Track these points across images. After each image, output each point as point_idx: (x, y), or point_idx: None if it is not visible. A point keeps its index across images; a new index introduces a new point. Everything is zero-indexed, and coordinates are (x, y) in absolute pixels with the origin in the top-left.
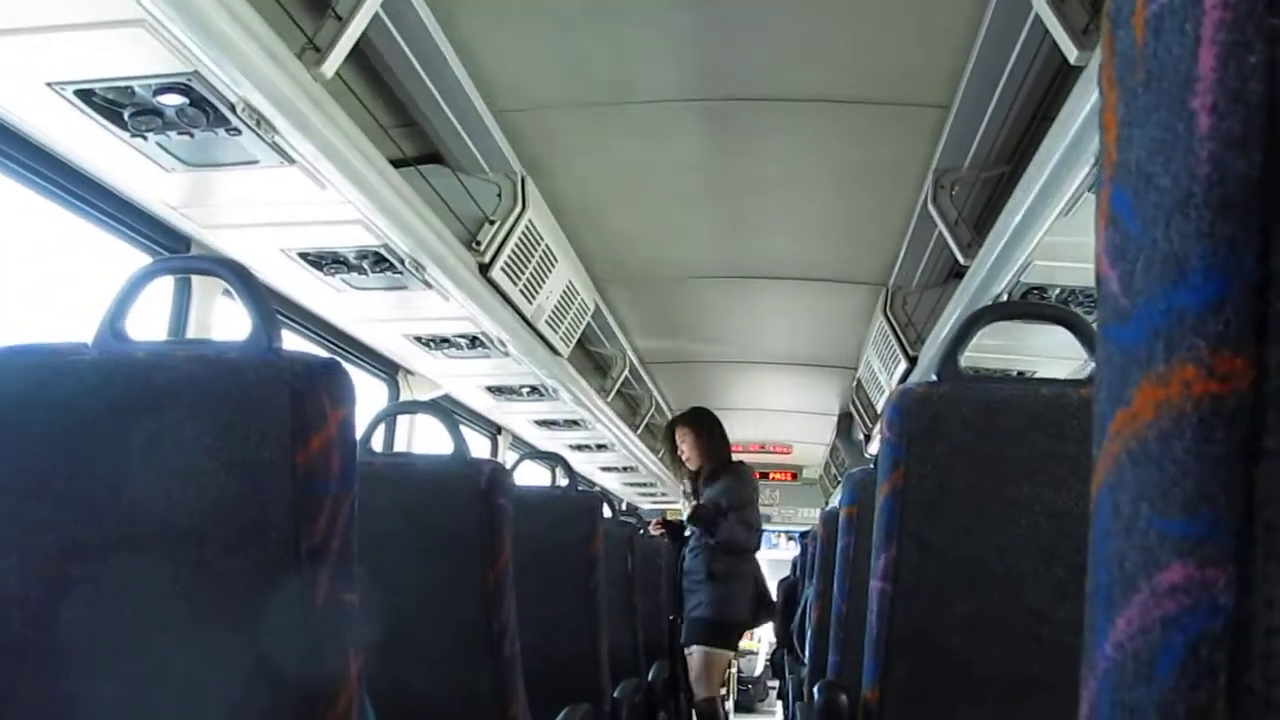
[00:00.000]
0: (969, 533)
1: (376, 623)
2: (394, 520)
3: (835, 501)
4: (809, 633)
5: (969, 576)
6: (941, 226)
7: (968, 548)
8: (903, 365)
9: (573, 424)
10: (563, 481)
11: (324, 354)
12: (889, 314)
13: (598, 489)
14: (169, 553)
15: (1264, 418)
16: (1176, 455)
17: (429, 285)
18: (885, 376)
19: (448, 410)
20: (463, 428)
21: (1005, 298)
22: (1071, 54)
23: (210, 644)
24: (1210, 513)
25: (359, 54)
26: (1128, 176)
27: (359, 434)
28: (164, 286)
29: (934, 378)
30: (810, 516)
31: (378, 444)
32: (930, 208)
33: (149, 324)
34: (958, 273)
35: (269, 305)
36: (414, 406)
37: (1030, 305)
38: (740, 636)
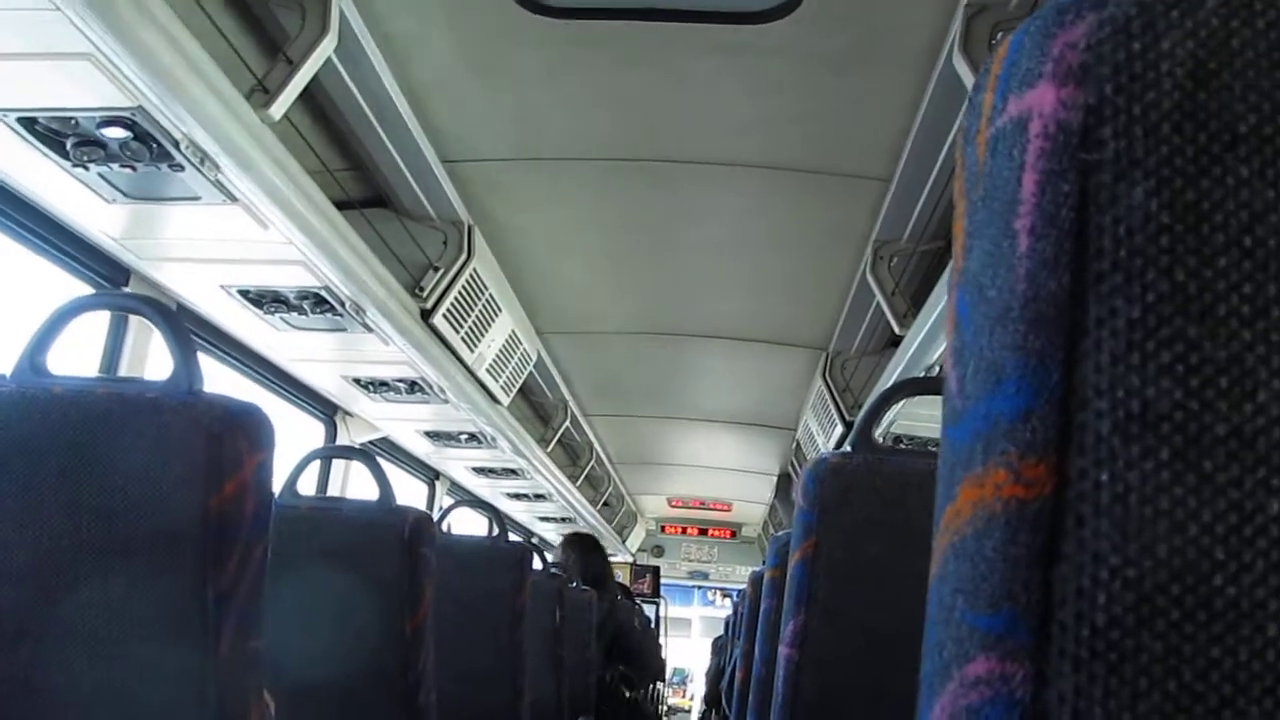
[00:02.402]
0: (876, 603)
1: (287, 669)
2: (314, 565)
3: None
4: (734, 694)
5: (874, 648)
6: (879, 296)
7: (874, 618)
8: (839, 429)
9: (511, 472)
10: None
11: (261, 391)
12: (828, 378)
13: (535, 539)
14: (73, 594)
15: (1063, 523)
16: (987, 553)
17: (369, 329)
18: (823, 439)
19: (373, 456)
20: (401, 472)
21: (938, 369)
22: None
23: (110, 690)
24: (1012, 610)
25: (308, 96)
26: (968, 284)
27: (286, 476)
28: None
29: (848, 448)
30: (746, 575)
31: (311, 486)
32: (869, 277)
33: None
34: (894, 341)
35: (192, 346)
36: (342, 451)
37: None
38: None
